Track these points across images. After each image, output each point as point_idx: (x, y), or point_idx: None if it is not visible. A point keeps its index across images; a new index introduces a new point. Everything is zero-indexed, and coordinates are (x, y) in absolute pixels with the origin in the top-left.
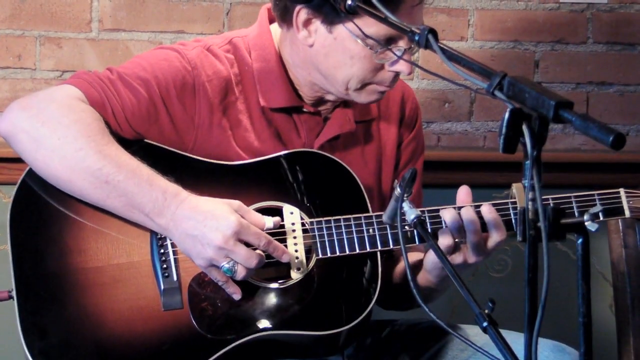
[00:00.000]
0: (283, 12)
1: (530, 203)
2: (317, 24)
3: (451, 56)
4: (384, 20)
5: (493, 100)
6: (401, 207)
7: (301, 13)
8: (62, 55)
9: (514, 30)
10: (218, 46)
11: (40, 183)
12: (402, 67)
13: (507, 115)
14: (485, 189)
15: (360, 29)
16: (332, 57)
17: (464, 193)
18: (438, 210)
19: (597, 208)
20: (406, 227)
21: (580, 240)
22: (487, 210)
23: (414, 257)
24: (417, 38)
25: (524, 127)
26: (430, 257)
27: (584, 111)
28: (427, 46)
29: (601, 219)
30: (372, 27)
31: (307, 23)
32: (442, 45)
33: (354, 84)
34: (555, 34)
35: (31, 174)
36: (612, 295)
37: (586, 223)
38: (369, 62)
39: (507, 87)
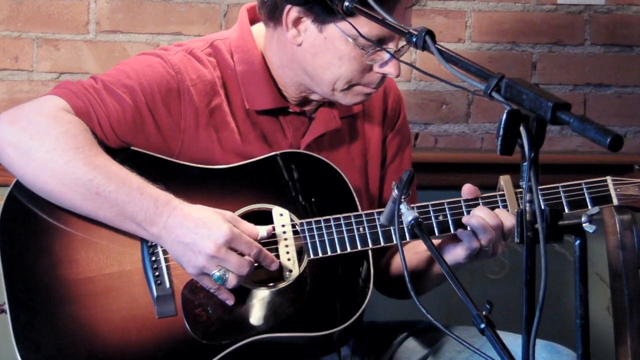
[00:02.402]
0: (272, 10)
1: (527, 205)
2: (307, 23)
3: (448, 58)
4: (381, 21)
5: (490, 102)
6: (399, 209)
7: (292, 12)
8: (60, 57)
9: (511, 32)
10: (200, 49)
11: (27, 195)
12: (390, 69)
13: (504, 116)
14: (482, 191)
15: (355, 28)
16: (321, 57)
17: (469, 190)
18: (443, 204)
19: (595, 210)
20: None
21: (577, 242)
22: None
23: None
24: (414, 39)
25: (522, 129)
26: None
27: (582, 113)
28: (425, 48)
29: (589, 207)
30: (364, 27)
31: (296, 22)
32: (439, 47)
33: (340, 84)
34: (552, 36)
35: (18, 186)
36: (609, 297)
37: (584, 225)
38: (357, 63)
39: (504, 89)
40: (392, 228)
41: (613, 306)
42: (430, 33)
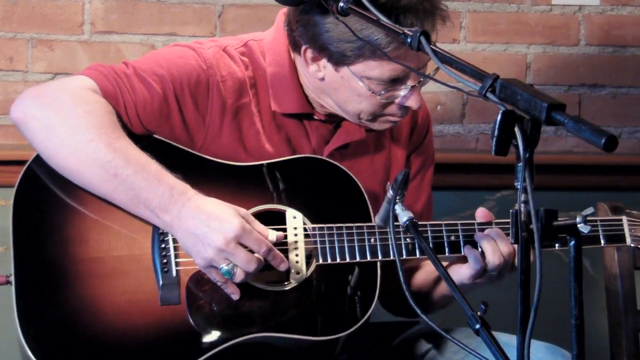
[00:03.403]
0: (293, 45)
1: (522, 205)
2: (325, 62)
3: (443, 58)
4: (375, 22)
5: (485, 102)
6: (393, 210)
7: (307, 52)
8: (54, 58)
9: (506, 33)
10: (234, 47)
11: (45, 171)
12: (411, 102)
13: (499, 117)
14: (477, 191)
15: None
16: (341, 92)
17: (483, 213)
18: (457, 225)
19: (589, 210)
20: (408, 239)
21: (572, 243)
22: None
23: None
24: (409, 40)
25: (517, 129)
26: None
27: (576, 113)
28: (420, 48)
29: (602, 244)
30: (375, 69)
31: (315, 59)
32: (434, 47)
33: (365, 116)
34: (547, 36)
35: (37, 161)
36: (604, 297)
37: (579, 225)
38: (375, 100)
39: (499, 90)
40: (388, 229)
41: (608, 307)
42: (425, 34)
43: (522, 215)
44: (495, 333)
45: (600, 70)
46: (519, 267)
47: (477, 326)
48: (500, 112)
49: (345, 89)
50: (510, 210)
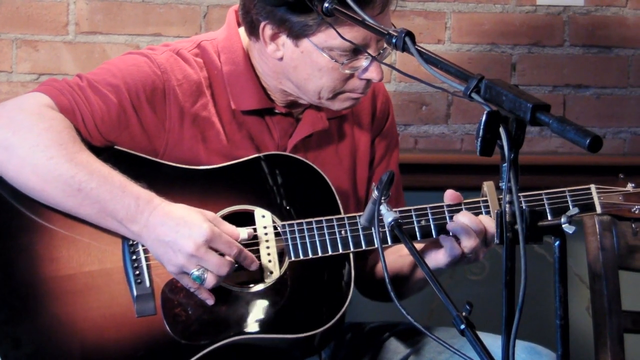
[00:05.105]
0: (250, 26)
1: (507, 205)
2: (284, 38)
3: (428, 59)
4: (360, 22)
5: (470, 103)
6: (379, 210)
7: (266, 28)
8: (39, 59)
9: (491, 33)
10: (187, 50)
11: (9, 191)
12: (372, 74)
13: (484, 117)
14: (462, 192)
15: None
16: (301, 69)
17: (452, 195)
18: (426, 209)
19: (574, 210)
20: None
21: (557, 243)
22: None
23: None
24: (394, 41)
25: (501, 130)
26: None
27: (561, 114)
28: (405, 49)
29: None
30: (336, 39)
31: (274, 37)
32: (419, 48)
33: (325, 93)
34: (532, 37)
35: (0, 183)
36: (589, 297)
37: (563, 225)
38: (337, 73)
39: (484, 90)
40: (372, 229)
41: (593, 307)
42: (410, 34)
43: (507, 216)
44: (479, 333)
45: (585, 71)
46: (503, 267)
47: (462, 326)
48: (485, 112)
49: (306, 64)
50: (495, 211)
